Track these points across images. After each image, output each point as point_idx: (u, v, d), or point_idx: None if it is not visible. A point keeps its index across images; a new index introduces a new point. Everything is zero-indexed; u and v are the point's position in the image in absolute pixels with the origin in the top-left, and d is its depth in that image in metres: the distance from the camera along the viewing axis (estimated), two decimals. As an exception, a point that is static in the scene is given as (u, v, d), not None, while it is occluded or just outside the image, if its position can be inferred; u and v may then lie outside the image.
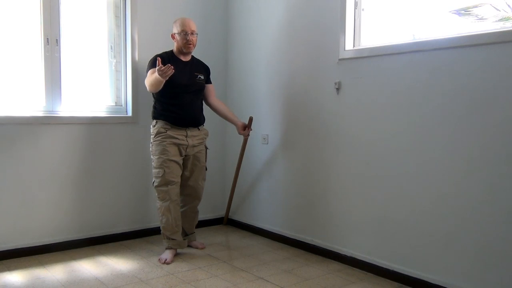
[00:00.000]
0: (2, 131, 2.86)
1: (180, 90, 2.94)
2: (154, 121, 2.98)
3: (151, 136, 2.99)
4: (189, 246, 3.21)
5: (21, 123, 2.93)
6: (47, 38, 3.04)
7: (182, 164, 3.03)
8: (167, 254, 2.95)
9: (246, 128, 3.25)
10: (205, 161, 3.16)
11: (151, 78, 2.79)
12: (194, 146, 3.03)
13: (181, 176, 3.04)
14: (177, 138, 2.94)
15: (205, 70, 3.15)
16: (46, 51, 3.04)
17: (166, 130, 2.92)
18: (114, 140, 3.31)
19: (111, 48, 3.38)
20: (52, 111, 3.08)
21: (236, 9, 3.78)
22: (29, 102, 3.03)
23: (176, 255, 3.02)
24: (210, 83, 3.19)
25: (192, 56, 3.10)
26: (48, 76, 3.06)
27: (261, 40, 3.52)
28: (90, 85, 3.32)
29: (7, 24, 2.95)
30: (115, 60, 3.39)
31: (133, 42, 3.35)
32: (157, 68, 2.67)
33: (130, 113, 3.38)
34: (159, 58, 2.74)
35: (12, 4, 2.96)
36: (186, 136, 2.97)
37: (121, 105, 3.42)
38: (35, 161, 2.99)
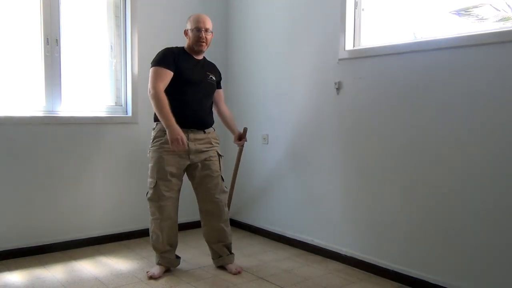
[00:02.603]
0: (2, 131, 2.86)
1: (188, 87, 2.65)
2: (155, 123, 2.68)
3: (150, 141, 2.69)
4: (222, 267, 2.81)
5: (21, 123, 2.93)
6: (47, 38, 3.04)
7: (190, 174, 2.74)
8: (157, 269, 2.66)
9: (241, 138, 3.08)
10: (220, 170, 2.76)
11: (164, 111, 2.48)
12: (199, 151, 2.67)
13: (194, 189, 2.76)
14: None
15: (218, 73, 2.91)
16: (46, 51, 3.04)
17: (165, 134, 2.53)
18: (114, 140, 3.31)
19: (111, 48, 3.38)
20: (52, 111, 3.08)
21: (236, 9, 3.78)
22: (29, 102, 3.02)
23: (168, 270, 2.74)
24: (220, 88, 2.95)
25: (204, 57, 2.84)
26: (48, 76, 3.06)
27: (261, 40, 3.52)
28: (90, 85, 3.32)
29: (7, 24, 2.95)
30: (115, 60, 3.39)
31: (133, 42, 3.34)
32: (174, 142, 2.46)
33: (130, 113, 3.38)
34: (183, 141, 2.48)
35: (12, 4, 2.96)
36: (187, 140, 2.57)
37: (121, 105, 3.42)
38: (35, 161, 2.98)
